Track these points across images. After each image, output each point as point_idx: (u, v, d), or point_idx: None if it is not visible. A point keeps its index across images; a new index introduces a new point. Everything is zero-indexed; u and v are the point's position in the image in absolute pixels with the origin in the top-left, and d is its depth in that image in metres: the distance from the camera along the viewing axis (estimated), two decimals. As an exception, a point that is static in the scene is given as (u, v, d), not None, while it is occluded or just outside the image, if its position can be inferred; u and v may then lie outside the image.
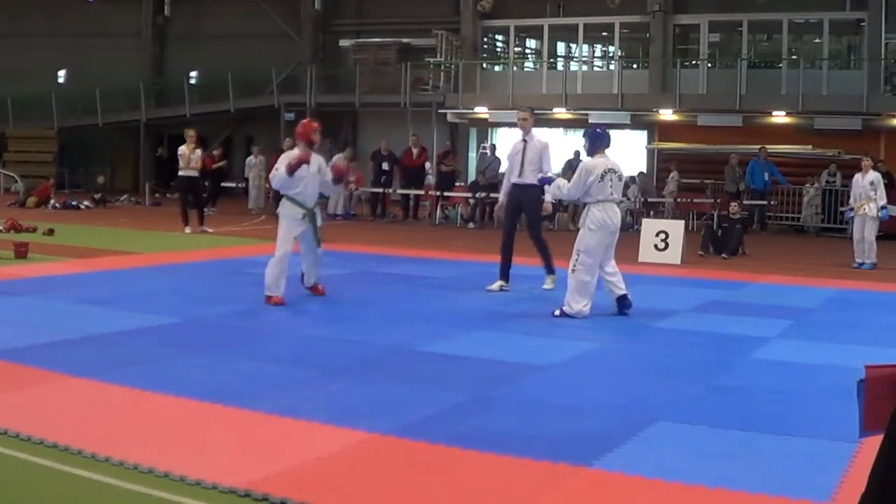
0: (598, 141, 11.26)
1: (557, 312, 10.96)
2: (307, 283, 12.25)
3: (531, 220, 13.32)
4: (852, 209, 17.67)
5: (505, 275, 13.17)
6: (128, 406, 6.64)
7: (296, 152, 11.77)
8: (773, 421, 6.56)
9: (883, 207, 17.18)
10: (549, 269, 13.21)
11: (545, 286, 13.11)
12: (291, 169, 11.50)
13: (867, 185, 17.36)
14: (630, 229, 23.83)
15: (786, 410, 6.92)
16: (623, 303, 11.18)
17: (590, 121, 29.65)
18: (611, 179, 11.04)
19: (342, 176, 12.64)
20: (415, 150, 27.25)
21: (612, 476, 5.39)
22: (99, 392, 6.99)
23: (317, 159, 11.94)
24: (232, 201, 29.23)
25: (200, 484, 5.09)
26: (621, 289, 11.21)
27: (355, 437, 6.01)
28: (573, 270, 11.00)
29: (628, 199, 25.87)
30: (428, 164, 27.46)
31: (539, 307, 11.76)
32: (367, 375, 7.79)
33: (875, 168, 18.38)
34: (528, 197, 12.98)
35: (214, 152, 26.87)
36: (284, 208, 11.85)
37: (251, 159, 29.22)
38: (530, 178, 12.80)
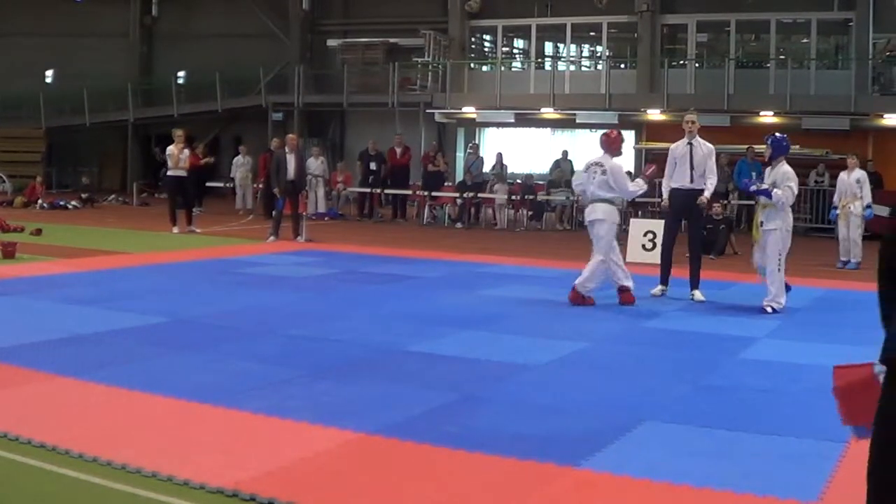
0: (787, 147, 12.05)
1: (769, 309, 11.52)
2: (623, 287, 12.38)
3: (694, 228, 13.08)
4: (836, 208, 17.70)
5: (665, 279, 12.92)
6: (115, 406, 6.63)
7: (617, 162, 12.46)
8: (760, 421, 6.58)
9: (868, 206, 17.19)
10: (696, 284, 12.68)
11: (695, 299, 12.53)
12: (651, 178, 12.68)
13: (853, 182, 17.39)
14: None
15: (773, 410, 6.93)
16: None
17: (577, 121, 29.75)
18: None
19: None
20: (398, 150, 27.24)
21: (600, 476, 5.40)
22: (86, 392, 6.97)
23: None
24: (220, 201, 29.20)
25: (188, 484, 5.09)
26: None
27: (342, 436, 6.01)
28: (778, 269, 11.60)
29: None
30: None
31: (528, 308, 11.78)
32: (354, 375, 7.80)
33: (864, 168, 18.41)
34: (693, 203, 12.66)
35: (197, 150, 26.73)
36: (610, 214, 12.24)
37: (238, 159, 29.20)
38: (698, 184, 12.51)
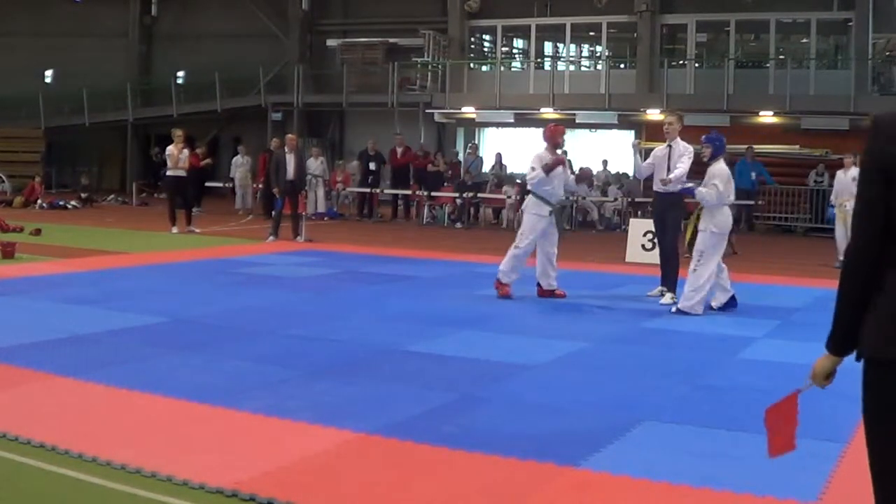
0: (723, 146, 11.64)
1: (674, 309, 11.39)
2: (545, 286, 12.51)
3: (669, 232, 12.70)
4: (833, 206, 17.78)
5: (664, 281, 12.72)
6: (114, 406, 6.63)
7: (543, 154, 12.50)
8: (759, 421, 6.48)
9: None
10: (670, 286, 12.35)
11: (662, 300, 12.24)
12: (549, 169, 12.27)
13: (849, 181, 17.46)
14: (617, 229, 23.91)
15: (772, 410, 6.93)
16: (728, 302, 11.57)
17: (577, 121, 29.74)
18: (731, 182, 11.41)
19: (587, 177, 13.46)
20: (399, 150, 27.27)
21: (599, 476, 5.40)
22: (85, 392, 6.97)
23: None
24: (218, 201, 29.20)
25: (187, 484, 5.09)
26: (727, 292, 11.56)
27: (342, 436, 6.01)
28: (694, 270, 11.27)
29: (614, 198, 25.94)
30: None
31: (527, 307, 11.78)
32: (353, 375, 7.79)
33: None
34: (671, 207, 12.48)
35: (198, 151, 26.76)
36: (532, 205, 12.49)
37: (237, 159, 29.24)
38: (674, 187, 12.25)
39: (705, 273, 11.20)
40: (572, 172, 13.53)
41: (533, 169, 12.45)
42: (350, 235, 21.46)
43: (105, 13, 39.14)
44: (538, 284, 12.54)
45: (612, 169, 28.08)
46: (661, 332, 10.31)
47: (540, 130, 13.50)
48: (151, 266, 14.88)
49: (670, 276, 12.44)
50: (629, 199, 25.38)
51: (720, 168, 11.46)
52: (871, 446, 3.18)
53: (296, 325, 10.05)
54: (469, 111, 31.68)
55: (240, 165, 28.99)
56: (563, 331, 10.18)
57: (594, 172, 27.83)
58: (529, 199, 12.59)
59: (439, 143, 32.19)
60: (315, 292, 12.61)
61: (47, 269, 14.07)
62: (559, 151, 12.71)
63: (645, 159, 13.35)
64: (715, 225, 11.27)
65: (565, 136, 12.91)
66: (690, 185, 11.70)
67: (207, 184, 28.17)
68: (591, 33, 33.48)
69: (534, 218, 12.45)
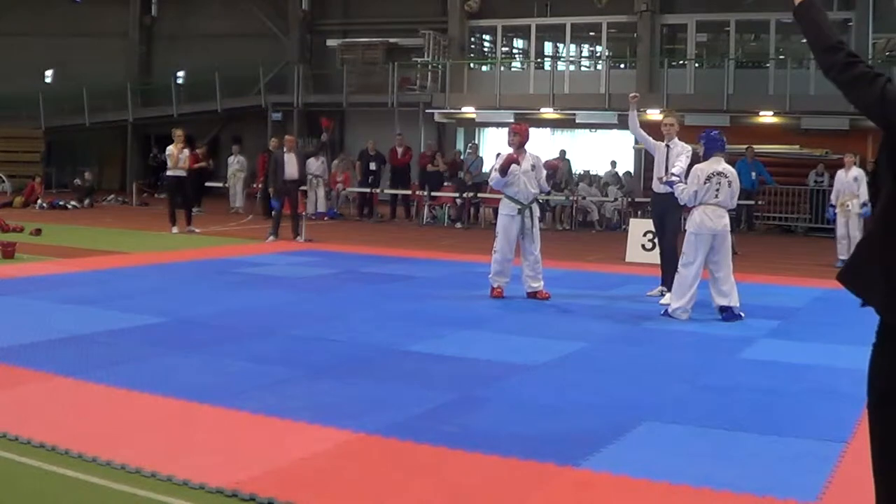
0: (711, 144, 11.27)
1: (663, 312, 11.25)
2: (526, 288, 12.46)
3: (668, 232, 12.70)
4: (834, 206, 17.80)
5: (664, 280, 12.55)
6: (114, 406, 6.63)
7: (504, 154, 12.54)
8: (759, 421, 6.58)
9: (864, 204, 17.21)
10: (671, 286, 11.76)
11: (662, 300, 12.07)
12: (503, 169, 12.23)
13: (850, 180, 17.49)
14: (617, 229, 23.91)
15: (772, 410, 6.93)
16: (724, 313, 11.01)
17: (577, 121, 29.74)
18: (718, 183, 10.99)
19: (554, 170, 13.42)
20: (399, 150, 27.26)
21: (599, 476, 5.40)
22: (85, 392, 6.98)
23: (531, 158, 12.48)
24: (218, 201, 29.18)
25: (187, 484, 5.10)
26: (723, 298, 11.02)
27: (342, 436, 6.02)
28: (678, 272, 11.15)
29: (614, 198, 25.93)
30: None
31: (527, 307, 11.78)
32: (353, 375, 7.80)
33: (865, 167, 18.44)
34: (670, 207, 12.29)
35: (198, 151, 26.69)
36: (502, 206, 12.65)
37: (231, 158, 29.18)
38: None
39: (686, 275, 11.06)
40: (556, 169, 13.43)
41: (495, 170, 12.51)
42: (350, 235, 21.45)
43: (105, 13, 39.10)
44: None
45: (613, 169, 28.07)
46: (661, 332, 10.31)
47: (540, 131, 13.45)
48: (151, 266, 14.88)
49: (670, 276, 12.39)
50: (629, 199, 25.37)
51: (699, 167, 11.21)
52: (872, 432, 3.18)
53: (296, 325, 10.05)
54: (469, 111, 31.67)
55: (230, 164, 28.91)
56: (563, 331, 10.18)
57: (601, 174, 27.89)
58: (501, 200, 12.61)
59: (440, 144, 32.16)
60: (315, 292, 12.61)
61: (47, 269, 14.07)
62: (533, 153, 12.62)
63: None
64: (691, 224, 11.12)
65: (529, 136, 12.81)
66: (675, 178, 11.61)
67: (207, 184, 28.13)
68: (591, 33, 33.46)
69: (504, 219, 12.50)
